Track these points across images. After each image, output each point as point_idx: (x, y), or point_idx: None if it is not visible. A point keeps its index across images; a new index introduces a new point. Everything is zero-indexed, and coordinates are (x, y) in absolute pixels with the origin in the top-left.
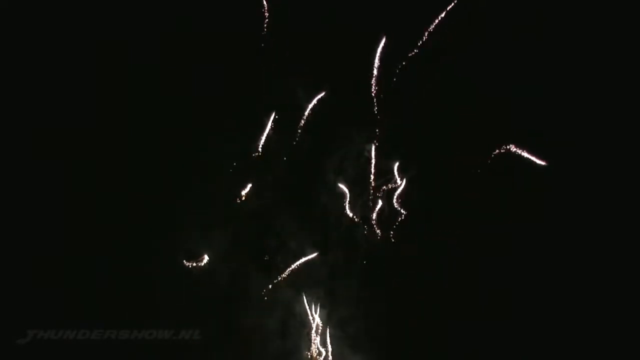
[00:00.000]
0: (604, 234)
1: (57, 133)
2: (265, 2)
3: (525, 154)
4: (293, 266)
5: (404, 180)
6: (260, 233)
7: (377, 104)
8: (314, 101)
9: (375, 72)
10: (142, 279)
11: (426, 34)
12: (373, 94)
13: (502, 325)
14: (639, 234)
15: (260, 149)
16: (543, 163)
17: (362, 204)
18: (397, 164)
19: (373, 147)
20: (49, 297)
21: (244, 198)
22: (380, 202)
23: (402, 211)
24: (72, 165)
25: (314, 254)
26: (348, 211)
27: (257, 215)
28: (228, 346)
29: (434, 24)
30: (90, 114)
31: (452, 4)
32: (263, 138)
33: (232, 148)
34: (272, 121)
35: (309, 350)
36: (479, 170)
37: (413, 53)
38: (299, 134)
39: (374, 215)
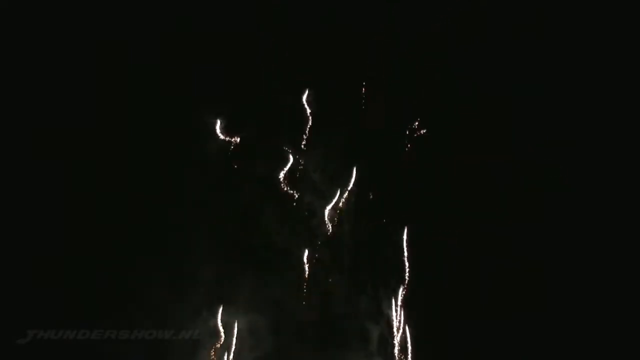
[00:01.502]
0: (604, 234)
1: (57, 133)
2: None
3: (526, 153)
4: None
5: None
6: (255, 232)
7: (376, 103)
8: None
9: (374, 71)
10: (141, 279)
11: (426, 33)
12: (372, 93)
13: (502, 325)
14: (638, 233)
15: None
16: (543, 162)
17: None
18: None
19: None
20: (49, 297)
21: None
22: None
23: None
24: (72, 165)
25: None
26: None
27: (252, 214)
28: (225, 345)
29: (435, 23)
30: (90, 114)
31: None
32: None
33: (230, 147)
34: (267, 120)
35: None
36: (479, 170)
37: (413, 53)
38: (294, 133)
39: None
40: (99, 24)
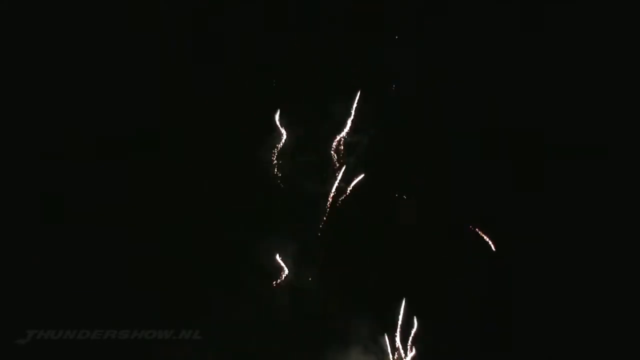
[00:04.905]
0: (604, 235)
1: (57, 133)
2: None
3: (524, 154)
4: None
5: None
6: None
7: (374, 102)
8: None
9: (372, 72)
10: (141, 278)
11: (425, 33)
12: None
13: (502, 325)
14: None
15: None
16: (542, 163)
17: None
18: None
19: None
20: (49, 297)
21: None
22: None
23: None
24: (72, 165)
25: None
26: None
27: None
28: (225, 344)
29: (434, 23)
30: (90, 114)
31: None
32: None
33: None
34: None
35: None
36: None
37: (411, 52)
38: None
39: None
40: (99, 24)
